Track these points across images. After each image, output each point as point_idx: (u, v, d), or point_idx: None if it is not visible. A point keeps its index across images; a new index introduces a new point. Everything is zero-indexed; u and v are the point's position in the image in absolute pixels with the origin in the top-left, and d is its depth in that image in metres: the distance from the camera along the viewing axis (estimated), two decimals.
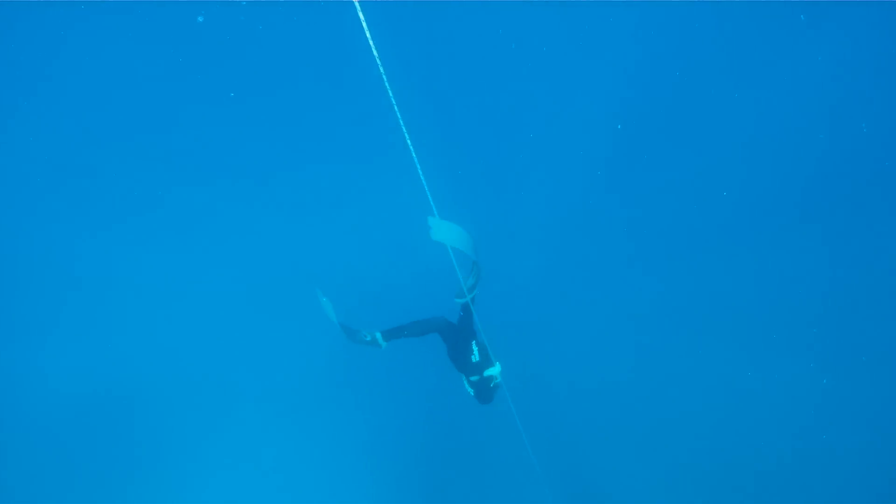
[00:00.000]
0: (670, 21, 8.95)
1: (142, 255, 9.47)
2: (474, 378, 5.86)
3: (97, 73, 8.64)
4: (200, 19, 8.11)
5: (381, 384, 9.57)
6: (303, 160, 9.48)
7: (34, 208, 9.11)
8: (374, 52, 2.95)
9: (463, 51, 9.25)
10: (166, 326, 9.57)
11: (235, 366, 9.71)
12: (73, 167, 9.04)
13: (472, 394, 6.03)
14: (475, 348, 5.75)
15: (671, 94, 9.37)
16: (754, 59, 9.09)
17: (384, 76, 3.17)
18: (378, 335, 5.61)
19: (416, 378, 9.36)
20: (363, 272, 9.32)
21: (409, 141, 4.09)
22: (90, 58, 8.57)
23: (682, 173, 9.54)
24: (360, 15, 2.72)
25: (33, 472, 9.33)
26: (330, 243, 9.55)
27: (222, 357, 9.69)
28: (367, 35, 2.82)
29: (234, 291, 9.61)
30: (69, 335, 9.48)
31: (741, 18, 8.89)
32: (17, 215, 9.08)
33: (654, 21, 8.97)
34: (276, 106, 9.26)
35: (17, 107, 8.59)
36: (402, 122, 3.86)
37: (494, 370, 5.80)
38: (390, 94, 3.50)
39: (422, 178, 4.44)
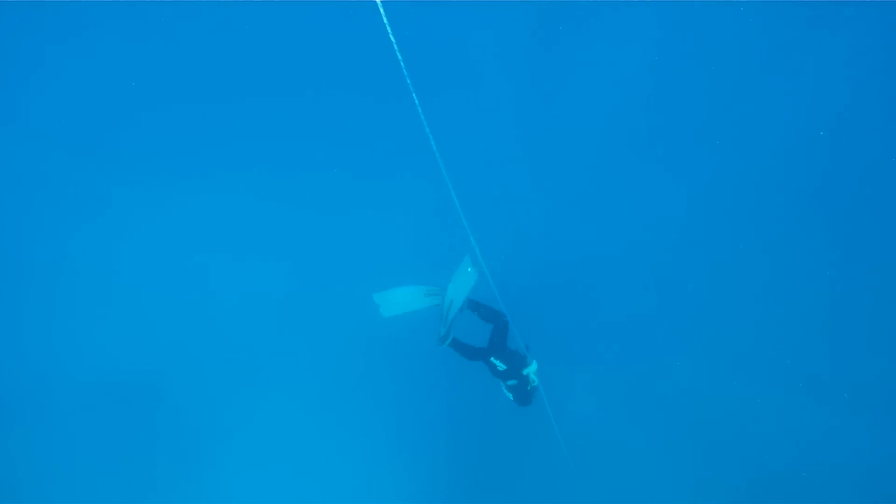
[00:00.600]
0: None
1: (160, 250, 9.54)
2: (512, 382, 6.00)
3: (105, 70, 8.79)
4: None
5: (407, 383, 9.55)
6: (321, 158, 9.53)
7: (53, 202, 9.24)
8: (396, 51, 2.95)
9: (482, 49, 9.22)
10: (184, 322, 9.64)
11: (261, 363, 9.75)
12: (93, 161, 9.13)
13: (512, 398, 6.15)
14: (496, 361, 5.98)
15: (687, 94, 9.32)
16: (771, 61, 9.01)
17: (406, 74, 3.16)
18: (452, 338, 6.01)
19: (445, 379, 9.34)
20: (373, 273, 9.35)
21: (432, 141, 4.07)
22: (94, 55, 8.71)
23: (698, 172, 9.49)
24: (382, 12, 2.72)
25: (49, 470, 9.44)
26: (344, 241, 9.57)
27: (240, 356, 9.73)
28: (389, 32, 2.82)
29: (252, 288, 9.66)
30: (87, 329, 9.55)
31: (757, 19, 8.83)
32: (45, 208, 9.22)
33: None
34: (292, 104, 9.30)
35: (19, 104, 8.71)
36: (424, 123, 3.84)
37: (531, 369, 5.92)
38: (413, 95, 3.49)
39: (445, 176, 4.41)
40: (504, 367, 5.93)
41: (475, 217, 5.00)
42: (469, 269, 5.84)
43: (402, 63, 3.04)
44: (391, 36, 2.78)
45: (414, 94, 3.39)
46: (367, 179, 9.46)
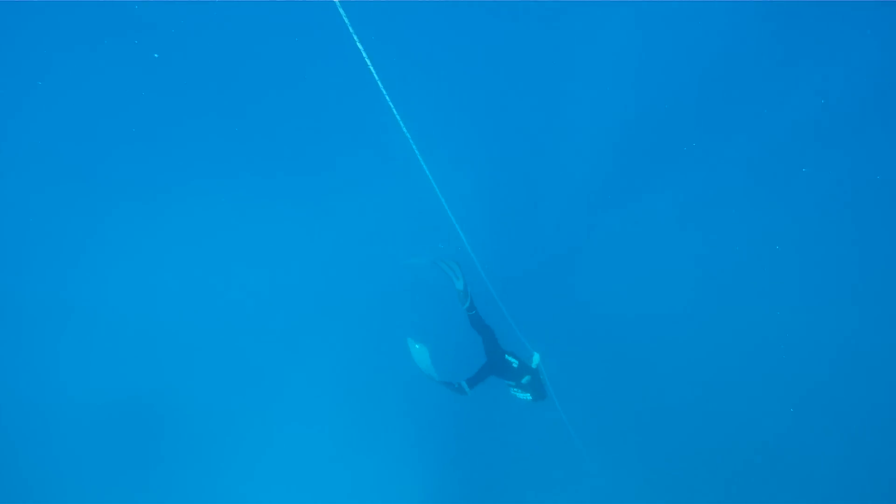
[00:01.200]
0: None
1: (158, 261, 9.49)
2: (525, 379, 6.11)
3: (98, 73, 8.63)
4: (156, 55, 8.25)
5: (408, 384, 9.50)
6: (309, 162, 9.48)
7: (51, 215, 9.14)
8: (362, 49, 3.02)
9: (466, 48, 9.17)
10: (186, 331, 9.57)
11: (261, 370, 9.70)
12: (100, 174, 9.09)
13: (530, 398, 6.24)
14: (510, 359, 6.13)
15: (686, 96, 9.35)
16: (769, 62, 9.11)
17: (375, 75, 3.23)
18: (464, 383, 5.94)
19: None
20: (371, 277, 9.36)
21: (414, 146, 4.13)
22: (88, 58, 8.56)
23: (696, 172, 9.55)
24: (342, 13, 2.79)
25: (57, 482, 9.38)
26: (340, 245, 9.53)
27: (244, 363, 9.68)
28: (352, 33, 2.90)
29: (252, 295, 9.64)
30: (84, 344, 9.46)
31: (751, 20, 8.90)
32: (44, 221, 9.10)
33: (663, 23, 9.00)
34: (273, 108, 9.22)
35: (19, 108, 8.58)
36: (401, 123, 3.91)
37: (536, 360, 6.11)
38: (385, 95, 3.56)
39: (431, 181, 4.46)
40: (517, 362, 6.09)
41: (465, 216, 5.06)
42: (417, 346, 6.00)
43: (368, 62, 3.11)
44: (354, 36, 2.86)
45: (387, 96, 3.46)
46: (354, 181, 9.40)
